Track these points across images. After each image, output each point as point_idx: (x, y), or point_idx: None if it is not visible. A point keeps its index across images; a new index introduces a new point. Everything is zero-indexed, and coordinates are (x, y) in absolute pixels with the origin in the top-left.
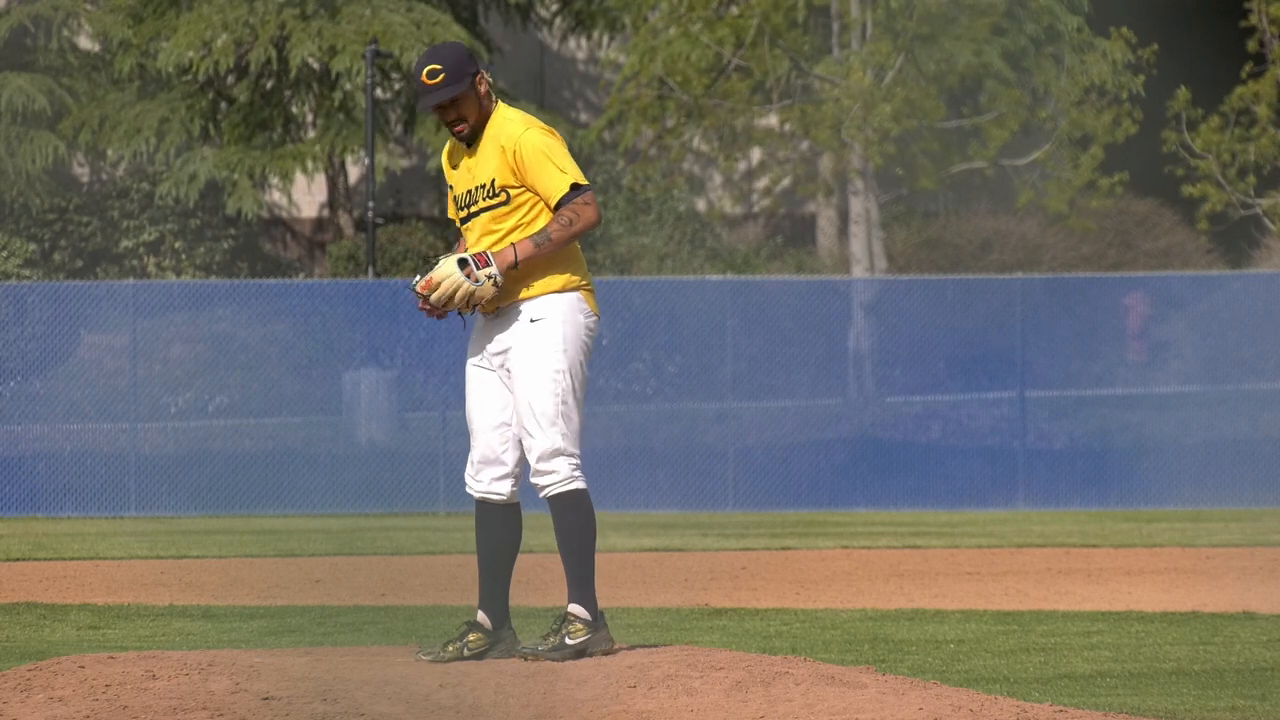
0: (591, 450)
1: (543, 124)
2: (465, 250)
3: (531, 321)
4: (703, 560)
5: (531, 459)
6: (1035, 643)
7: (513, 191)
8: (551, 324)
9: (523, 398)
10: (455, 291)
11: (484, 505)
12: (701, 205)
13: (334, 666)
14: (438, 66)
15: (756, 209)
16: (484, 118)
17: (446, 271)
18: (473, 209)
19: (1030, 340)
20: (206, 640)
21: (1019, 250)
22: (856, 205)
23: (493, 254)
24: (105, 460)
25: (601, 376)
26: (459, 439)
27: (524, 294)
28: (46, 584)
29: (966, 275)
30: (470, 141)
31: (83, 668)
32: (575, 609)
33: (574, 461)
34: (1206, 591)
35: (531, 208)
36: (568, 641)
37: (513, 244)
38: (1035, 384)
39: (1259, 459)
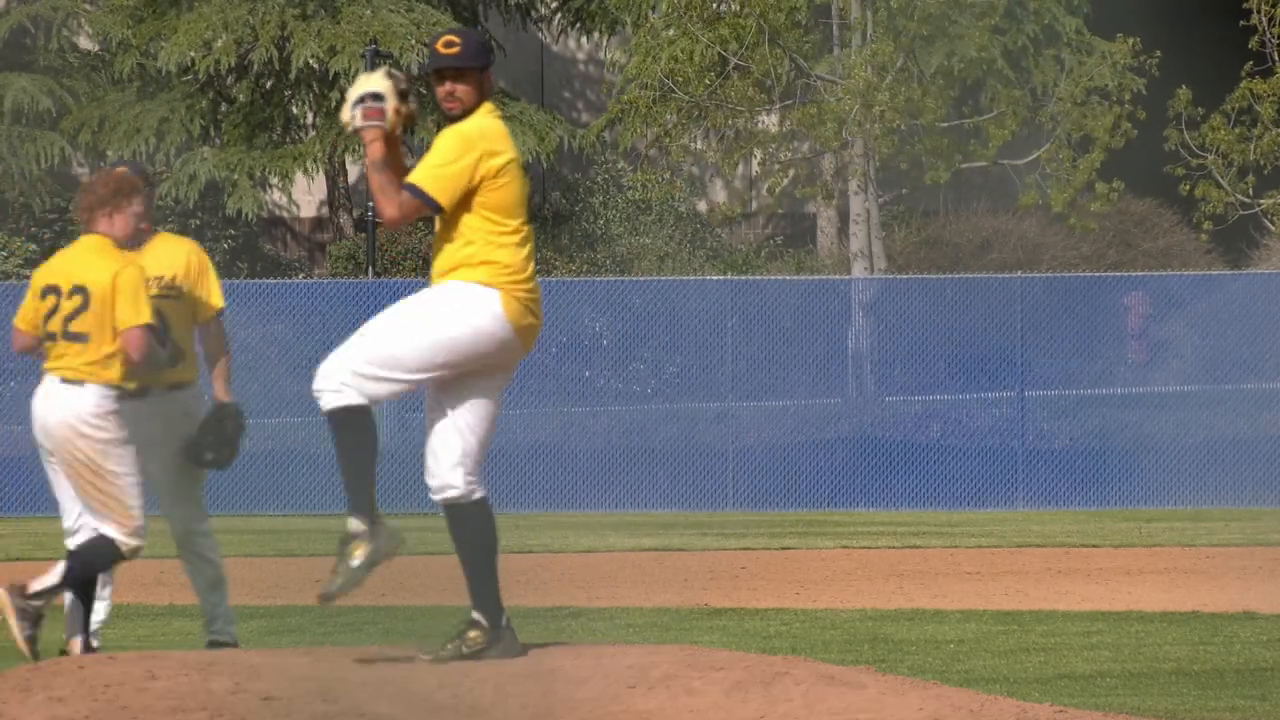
0: (591, 450)
1: (476, 134)
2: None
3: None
4: (703, 560)
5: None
6: (1035, 643)
7: None
8: (435, 298)
9: None
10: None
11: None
12: (702, 206)
13: (334, 666)
14: (456, 39)
15: (755, 208)
16: (474, 110)
17: (359, 89)
18: None
19: (1030, 340)
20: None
21: (1019, 250)
22: (856, 205)
23: (376, 122)
24: None
25: (601, 377)
26: None
27: (441, 277)
28: None
29: (966, 275)
30: (455, 120)
31: (82, 668)
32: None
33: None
34: (1206, 591)
35: (463, 201)
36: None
37: (382, 145)
38: (1035, 384)
39: (1259, 459)
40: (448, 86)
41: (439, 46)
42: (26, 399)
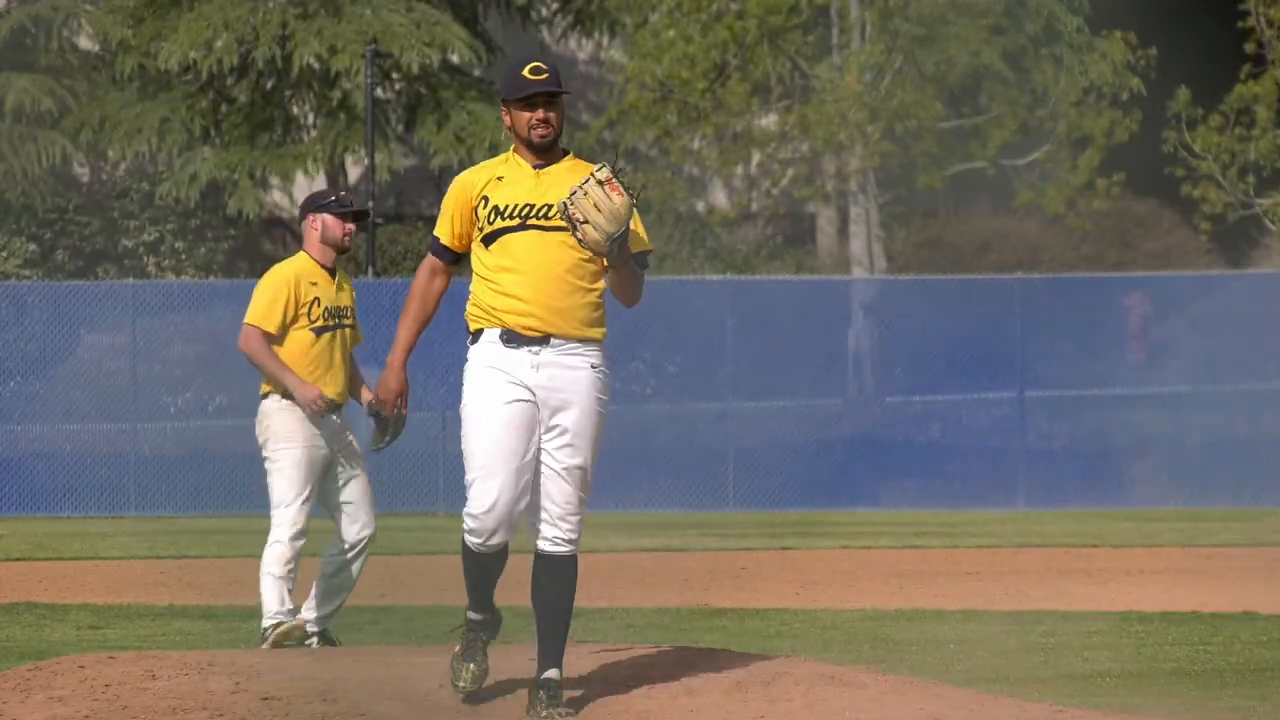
0: None
1: None
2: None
3: (592, 368)
4: (703, 560)
5: (573, 515)
6: (1035, 643)
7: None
8: (606, 377)
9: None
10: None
11: (488, 554)
12: (701, 206)
13: (334, 666)
14: (543, 65)
15: (755, 208)
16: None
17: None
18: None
19: (1030, 340)
20: (206, 640)
21: (1019, 250)
22: (855, 205)
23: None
24: (105, 460)
25: None
26: (458, 439)
27: (590, 334)
28: (46, 584)
29: (966, 275)
30: (547, 149)
31: (83, 668)
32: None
33: None
34: (1206, 591)
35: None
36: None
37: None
38: (1035, 384)
39: (1259, 459)
40: (546, 114)
41: (528, 74)
42: (27, 399)
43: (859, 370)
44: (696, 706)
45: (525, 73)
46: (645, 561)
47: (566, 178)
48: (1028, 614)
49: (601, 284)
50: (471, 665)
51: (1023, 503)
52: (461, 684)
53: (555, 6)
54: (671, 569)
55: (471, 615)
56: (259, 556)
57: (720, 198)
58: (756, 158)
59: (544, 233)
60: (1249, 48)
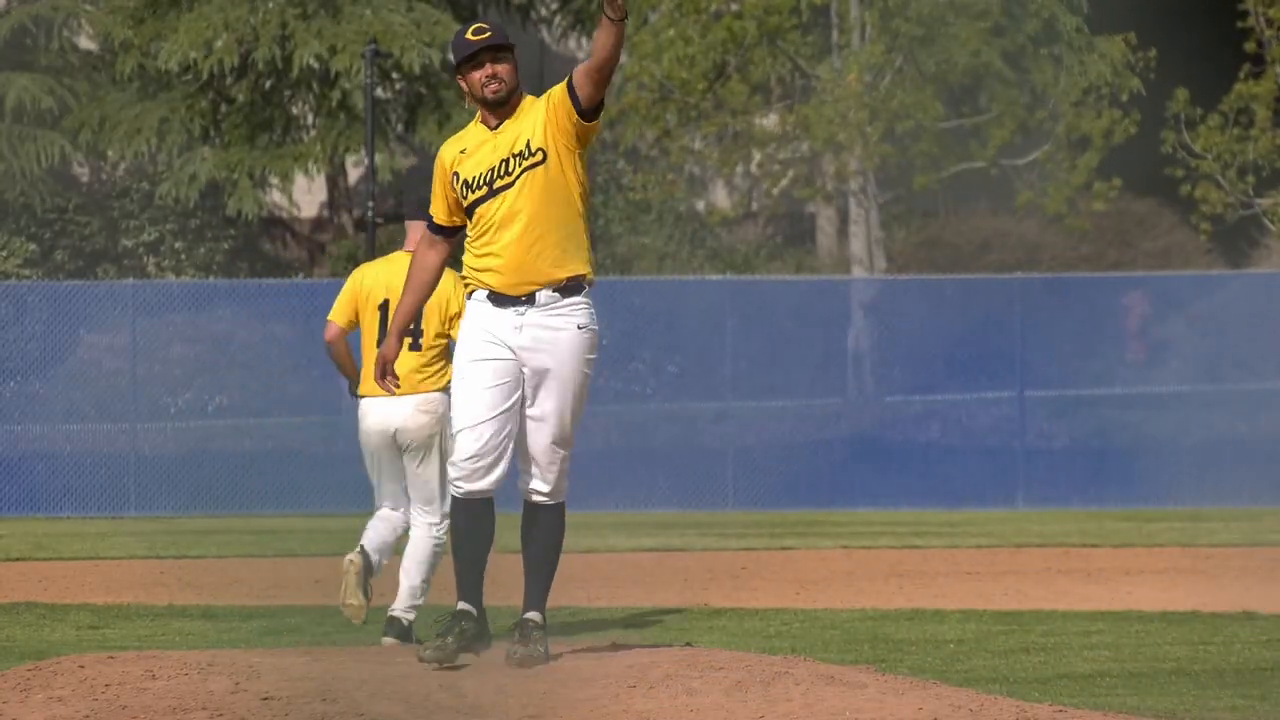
0: (591, 450)
1: None
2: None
3: (579, 328)
4: (703, 560)
5: (553, 467)
6: (1035, 643)
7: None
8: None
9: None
10: None
11: (476, 501)
12: (701, 206)
13: (334, 666)
14: (485, 25)
15: (756, 208)
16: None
17: None
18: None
19: (1029, 340)
20: (206, 640)
21: (1018, 250)
22: (856, 205)
23: None
24: (105, 460)
25: (601, 376)
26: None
27: (578, 270)
28: (46, 584)
29: (966, 275)
30: (500, 104)
31: (82, 668)
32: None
33: None
34: (1206, 591)
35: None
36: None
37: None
38: (1034, 383)
39: (1258, 459)
40: (490, 69)
41: (470, 35)
42: (27, 399)
43: (858, 370)
44: (696, 706)
45: (469, 35)
46: (645, 561)
47: (525, 121)
48: (1027, 614)
49: (581, 212)
50: (440, 641)
51: (1022, 502)
52: (427, 653)
53: (555, 6)
54: (671, 569)
55: (460, 607)
56: (258, 556)
57: (720, 198)
58: (756, 158)
59: (509, 190)
60: (1249, 47)
